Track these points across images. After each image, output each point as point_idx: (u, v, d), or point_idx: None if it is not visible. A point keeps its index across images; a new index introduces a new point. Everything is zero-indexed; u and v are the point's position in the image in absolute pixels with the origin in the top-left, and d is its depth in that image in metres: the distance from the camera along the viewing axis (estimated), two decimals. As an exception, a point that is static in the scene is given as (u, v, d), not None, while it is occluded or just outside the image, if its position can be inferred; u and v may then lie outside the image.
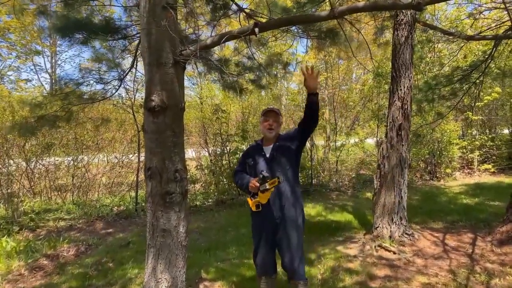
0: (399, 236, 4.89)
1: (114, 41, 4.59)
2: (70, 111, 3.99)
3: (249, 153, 3.15)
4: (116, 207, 7.64)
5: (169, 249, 2.73)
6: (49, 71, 17.63)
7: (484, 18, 7.41)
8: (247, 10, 3.69)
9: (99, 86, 4.58)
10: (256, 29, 2.52)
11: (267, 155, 2.96)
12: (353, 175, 10.20)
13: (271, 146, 2.99)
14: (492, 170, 10.63)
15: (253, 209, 2.89)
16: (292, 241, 2.84)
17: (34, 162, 7.93)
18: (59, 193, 8.08)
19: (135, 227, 6.42)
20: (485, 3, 5.62)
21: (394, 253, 4.55)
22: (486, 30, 6.06)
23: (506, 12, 3.11)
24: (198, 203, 7.93)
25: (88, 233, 6.10)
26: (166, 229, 2.72)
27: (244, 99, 9.07)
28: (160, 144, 2.67)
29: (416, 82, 8.74)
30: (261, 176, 2.76)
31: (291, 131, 3.11)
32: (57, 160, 8.26)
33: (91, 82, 4.31)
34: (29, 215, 6.47)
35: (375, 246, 4.72)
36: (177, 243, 2.75)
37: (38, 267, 4.54)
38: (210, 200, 8.15)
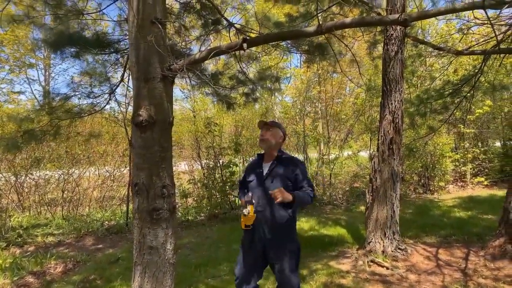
0: (392, 251, 4.85)
1: (106, 55, 4.59)
2: (58, 125, 3.94)
3: (249, 168, 3.12)
4: (106, 222, 7.52)
5: (156, 267, 2.67)
6: (43, 83, 17.57)
7: (473, 34, 7.52)
8: (237, 26, 3.71)
9: (89, 100, 4.56)
10: (245, 45, 2.52)
11: (264, 173, 2.89)
12: (347, 189, 10.16)
13: (270, 163, 2.91)
14: (485, 183, 10.65)
15: (242, 227, 2.86)
16: (283, 267, 2.78)
17: (24, 176, 7.82)
18: (49, 207, 7.95)
19: (125, 243, 6.30)
20: (473, 19, 5.70)
21: (387, 268, 4.50)
22: (475, 45, 6.15)
23: (493, 30, 3.15)
24: (190, 217, 7.84)
25: (77, 249, 5.97)
26: (153, 246, 2.66)
27: (237, 112, 9.07)
28: (148, 159, 2.63)
29: (409, 95, 8.81)
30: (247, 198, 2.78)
31: (291, 166, 2.88)
32: (47, 174, 8.14)
33: (80, 96, 4.27)
34: (17, 231, 6.35)
35: (368, 262, 4.67)
36: (165, 260, 2.69)
37: (24, 285, 4.42)
38: (202, 215, 8.06)
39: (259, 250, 2.84)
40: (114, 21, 4.17)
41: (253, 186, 2.90)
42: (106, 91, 4.46)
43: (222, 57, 6.18)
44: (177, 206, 3.22)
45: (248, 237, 2.90)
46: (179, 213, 7.92)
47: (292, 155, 3.30)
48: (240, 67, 3.61)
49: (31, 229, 6.79)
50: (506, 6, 1.99)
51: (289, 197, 2.57)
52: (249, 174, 3.03)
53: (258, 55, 4.60)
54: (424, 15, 2.27)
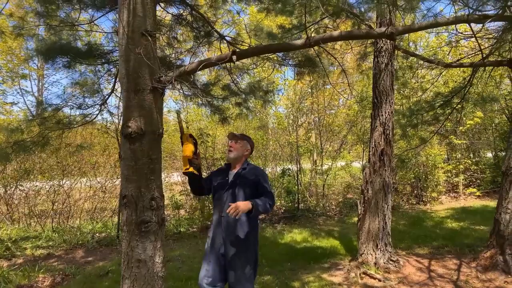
0: (384, 263, 4.83)
1: (99, 66, 4.59)
2: (47, 136, 3.92)
3: (216, 173, 3.25)
4: (97, 234, 7.42)
5: (144, 281, 2.64)
6: (36, 94, 17.50)
7: (462, 46, 7.65)
8: (228, 38, 3.74)
9: (81, 111, 4.54)
10: (234, 57, 2.55)
11: (230, 180, 3.03)
12: (340, 199, 10.16)
13: (235, 171, 3.07)
14: (477, 193, 10.71)
15: (186, 168, 2.85)
16: (238, 275, 2.86)
17: (13, 187, 7.72)
18: (39, 219, 7.83)
19: (116, 255, 6.21)
20: (461, 33, 5.82)
21: (379, 280, 4.47)
22: (464, 57, 6.24)
23: (479, 42, 3.23)
24: (182, 229, 7.76)
25: (66, 261, 5.87)
26: (141, 259, 2.63)
27: (230, 123, 9.07)
28: (136, 171, 2.61)
29: (401, 107, 8.90)
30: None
31: (255, 172, 3.06)
32: (36, 185, 8.04)
33: (72, 106, 4.26)
34: (5, 243, 6.24)
35: (360, 274, 4.64)
36: (153, 274, 2.66)
37: (10, 299, 4.33)
38: (195, 226, 7.99)
39: (220, 256, 2.92)
40: (105, 32, 4.19)
41: (219, 192, 3.04)
42: (98, 102, 4.46)
43: (216, 68, 6.23)
44: (166, 218, 3.21)
45: (210, 243, 2.98)
46: (171, 225, 7.84)
47: (256, 165, 3.44)
48: (231, 78, 3.64)
49: (20, 241, 6.67)
50: (489, 20, 2.04)
51: (247, 206, 2.65)
52: (215, 178, 3.15)
53: (250, 67, 4.63)
54: (409, 29, 2.31)
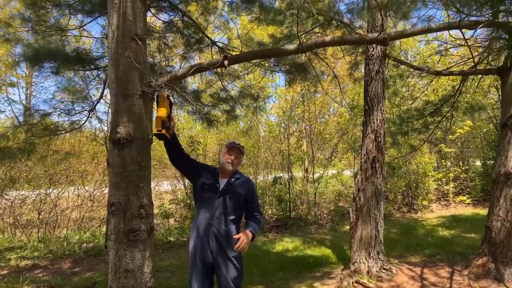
0: (376, 271, 4.78)
1: (88, 71, 4.52)
2: (33, 143, 3.82)
3: (206, 169, 3.16)
4: (85, 244, 7.25)
5: (132, 292, 2.55)
6: (24, 102, 17.23)
7: (452, 55, 7.76)
8: (219, 44, 3.71)
9: (69, 117, 4.45)
10: (225, 62, 2.52)
11: (221, 188, 3.01)
12: (332, 208, 10.12)
13: (227, 179, 3.06)
14: (468, 201, 10.78)
15: (159, 130, 2.70)
16: (227, 278, 2.89)
17: (-1, 196, 7.53)
18: (24, 229, 7.63)
19: (104, 266, 6.05)
20: (452, 41, 5.89)
21: (372, 289, 4.42)
22: (454, 66, 6.31)
23: (470, 50, 3.26)
24: (172, 239, 7.62)
25: (52, 272, 5.70)
26: (129, 269, 2.55)
27: (221, 131, 9.01)
28: (125, 178, 2.54)
29: (392, 115, 8.95)
30: None
31: (247, 185, 3.12)
32: (22, 194, 7.84)
33: (60, 113, 4.17)
34: (-11, 254, 6.05)
35: (352, 282, 4.58)
36: (141, 284, 2.58)
37: (-8, 312, 4.17)
38: (185, 236, 7.86)
39: (207, 261, 2.92)
40: (94, 37, 4.13)
41: (208, 196, 3.00)
42: (87, 108, 4.38)
43: (208, 75, 6.19)
44: (155, 227, 3.13)
45: (197, 249, 2.95)
46: (161, 234, 7.70)
47: (247, 173, 3.47)
48: (222, 84, 3.60)
49: (4, 252, 6.49)
50: (481, 26, 2.04)
51: (250, 237, 2.83)
52: (205, 175, 3.09)
53: (241, 74, 4.61)
54: (401, 35, 2.31)
